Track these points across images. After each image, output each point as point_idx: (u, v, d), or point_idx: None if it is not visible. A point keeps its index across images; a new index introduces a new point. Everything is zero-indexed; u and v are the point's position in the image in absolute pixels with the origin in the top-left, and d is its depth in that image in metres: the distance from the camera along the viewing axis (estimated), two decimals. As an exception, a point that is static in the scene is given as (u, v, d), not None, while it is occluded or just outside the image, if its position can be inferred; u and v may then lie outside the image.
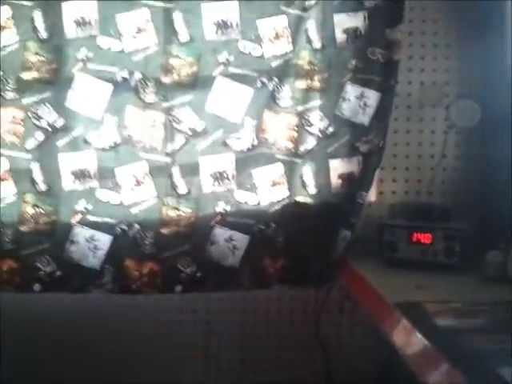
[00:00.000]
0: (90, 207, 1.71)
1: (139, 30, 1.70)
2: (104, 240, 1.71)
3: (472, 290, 1.29)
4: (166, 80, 1.71)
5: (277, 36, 1.74)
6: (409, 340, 0.97)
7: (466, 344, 0.86)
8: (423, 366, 0.89)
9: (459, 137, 1.80)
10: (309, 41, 1.75)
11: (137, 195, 1.72)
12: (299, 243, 1.74)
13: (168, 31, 1.70)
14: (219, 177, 1.74)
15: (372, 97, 1.73)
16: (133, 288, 1.71)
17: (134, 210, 1.72)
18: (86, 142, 1.71)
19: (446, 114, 1.76)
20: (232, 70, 1.72)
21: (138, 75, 1.70)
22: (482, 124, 1.69)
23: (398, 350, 1.04)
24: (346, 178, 1.75)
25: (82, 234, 1.70)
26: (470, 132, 1.76)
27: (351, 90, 1.74)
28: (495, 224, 1.52)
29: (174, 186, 1.72)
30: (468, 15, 1.80)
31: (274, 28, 1.73)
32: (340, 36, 1.74)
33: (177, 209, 1.73)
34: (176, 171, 1.72)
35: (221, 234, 1.73)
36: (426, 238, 1.52)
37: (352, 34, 1.74)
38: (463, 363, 0.77)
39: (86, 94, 1.70)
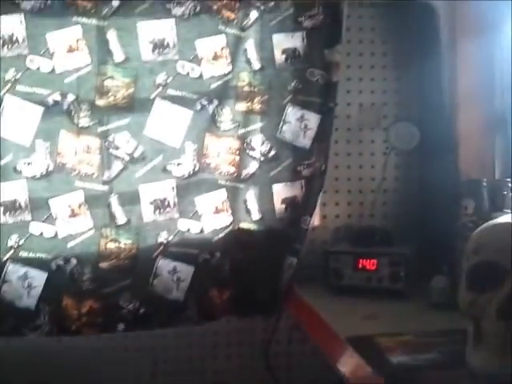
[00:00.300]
0: (22, 242, 1.75)
1: (71, 50, 1.77)
2: (39, 277, 1.76)
3: (419, 318, 1.47)
4: (100, 103, 1.79)
5: (215, 56, 1.87)
6: (363, 377, 1.12)
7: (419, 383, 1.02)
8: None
9: (399, 159, 2.03)
10: (248, 61, 1.89)
11: (72, 227, 1.79)
12: (245, 272, 1.88)
13: (102, 51, 1.78)
14: (160, 205, 1.85)
15: (312, 119, 1.91)
16: (72, 329, 1.76)
17: (70, 244, 1.78)
18: (15, 170, 1.75)
19: (385, 136, 2.00)
20: (170, 91, 1.83)
21: (70, 97, 1.77)
22: (420, 146, 1.92)
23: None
24: (290, 202, 1.92)
25: (14, 271, 1.74)
26: (409, 154, 1.99)
27: (292, 113, 1.91)
28: (437, 247, 1.74)
29: (112, 216, 1.81)
30: (405, 36, 2.03)
31: (212, 48, 1.86)
32: (279, 57, 1.90)
33: (116, 240, 1.81)
34: (114, 200, 1.81)
35: (164, 265, 1.83)
36: (371, 264, 1.71)
37: (291, 54, 1.91)
38: None
39: (15, 118, 1.74)
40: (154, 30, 1.82)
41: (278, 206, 1.92)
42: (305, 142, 1.92)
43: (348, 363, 1.20)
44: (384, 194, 2.04)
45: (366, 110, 2.06)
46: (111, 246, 1.82)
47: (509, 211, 1.50)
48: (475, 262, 1.05)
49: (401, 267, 1.68)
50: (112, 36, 1.79)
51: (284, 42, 1.91)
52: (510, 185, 1.58)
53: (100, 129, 1.80)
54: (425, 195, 1.99)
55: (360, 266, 1.73)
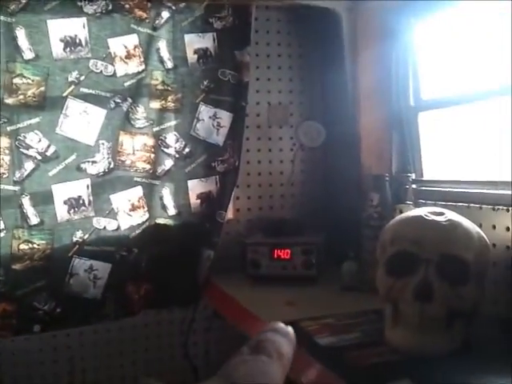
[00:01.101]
0: None
1: (-23, 48, 1.67)
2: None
3: (333, 301, 1.57)
4: (10, 101, 1.72)
5: (129, 55, 1.86)
6: (294, 359, 1.21)
7: (351, 361, 1.08)
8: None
9: (305, 154, 2.14)
10: (161, 60, 1.91)
11: (-17, 230, 1.70)
12: (163, 266, 1.89)
13: (10, 48, 1.71)
14: (75, 204, 1.81)
15: (225, 117, 1.96)
16: (-14, 333, 1.69)
17: (-18, 247, 1.69)
18: None
19: (293, 133, 2.10)
20: (83, 90, 1.80)
21: (-23, 96, 1.68)
22: (326, 142, 2.03)
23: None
24: (205, 197, 1.97)
25: None
26: (315, 149, 2.10)
27: (205, 111, 1.95)
28: (344, 235, 1.86)
29: (24, 217, 1.75)
30: (309, 39, 2.15)
31: (125, 47, 1.86)
32: (191, 56, 1.94)
33: (29, 241, 1.75)
34: (26, 200, 1.75)
35: (80, 264, 1.80)
36: (285, 253, 1.80)
37: (203, 54, 1.95)
38: (353, 379, 1.01)
39: None
40: (65, 27, 1.78)
41: (194, 201, 1.96)
42: (218, 138, 1.97)
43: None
44: (292, 187, 2.15)
45: (274, 108, 2.14)
46: (24, 247, 1.75)
47: (410, 203, 1.65)
48: (392, 252, 1.16)
49: (312, 255, 1.78)
50: (20, 33, 1.73)
51: (196, 42, 1.95)
52: (410, 179, 1.73)
53: (10, 128, 1.73)
54: (330, 188, 2.12)
55: (275, 255, 1.81)
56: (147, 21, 1.88)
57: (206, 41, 1.95)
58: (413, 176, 1.83)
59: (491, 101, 1.61)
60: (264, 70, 2.14)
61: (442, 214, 1.16)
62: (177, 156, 1.94)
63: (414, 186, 1.79)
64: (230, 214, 2.03)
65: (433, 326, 1.08)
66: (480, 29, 1.65)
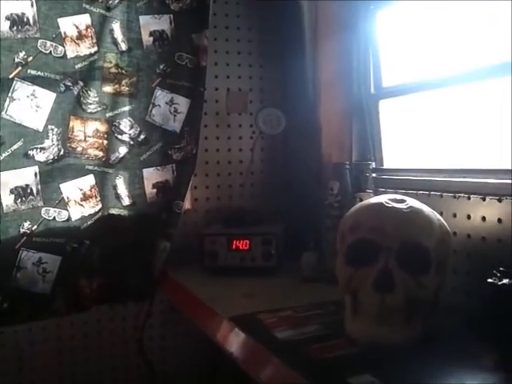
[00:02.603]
0: None
1: None
2: None
3: (293, 292, 1.54)
4: (-51, 82, 1.62)
5: (80, 36, 1.78)
6: (253, 355, 1.15)
7: (310, 355, 1.05)
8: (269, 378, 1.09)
9: (265, 142, 2.11)
10: (114, 42, 1.84)
11: None
12: (116, 259, 1.83)
13: (-50, 26, 1.61)
14: (22, 193, 1.72)
15: (182, 103, 1.90)
16: None
17: None
18: None
19: (253, 120, 2.04)
20: (31, 71, 1.71)
21: None
22: (286, 130, 2.00)
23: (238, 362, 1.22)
24: (161, 186, 1.91)
25: None
26: (275, 137, 2.07)
27: (161, 96, 1.89)
28: (304, 225, 1.84)
29: (-33, 207, 1.66)
30: (269, 25, 2.11)
31: (76, 27, 1.77)
32: (147, 38, 1.87)
33: (-27, 233, 1.67)
34: (-32, 189, 1.66)
35: (28, 257, 1.72)
36: (244, 244, 1.76)
37: (159, 37, 1.89)
38: (312, 375, 0.97)
39: None
40: (11, 5, 1.68)
41: (150, 190, 1.90)
42: (175, 125, 1.91)
43: (236, 342, 1.22)
44: (252, 176, 2.12)
45: (234, 95, 2.09)
46: (-33, 238, 1.66)
47: (371, 191, 1.63)
48: (352, 240, 1.13)
49: (272, 246, 1.75)
50: (-39, 10, 1.62)
51: (151, 24, 1.89)
52: (370, 167, 1.71)
53: (-50, 110, 1.63)
54: (290, 177, 2.09)
55: (234, 246, 1.76)
56: (100, 0, 1.80)
57: (163, 23, 1.89)
58: (373, 164, 1.83)
59: (451, 88, 1.60)
60: (223, 55, 2.09)
61: (402, 201, 1.14)
62: (131, 143, 1.88)
63: (374, 174, 1.78)
64: (187, 204, 1.99)
65: (393, 317, 1.06)
66: (439, 16, 1.65)
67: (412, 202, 1.14)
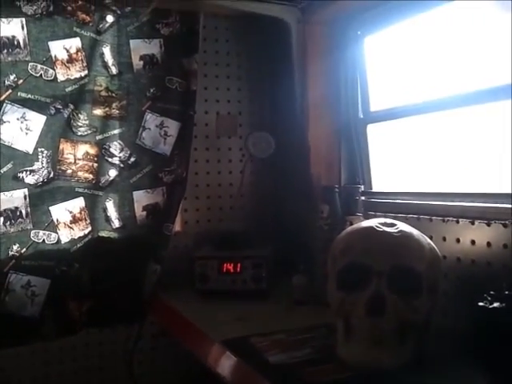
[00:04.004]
0: None
1: None
2: None
3: (284, 315, 1.54)
4: None
5: (70, 59, 1.79)
6: (244, 378, 1.15)
7: (302, 379, 1.05)
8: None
9: (254, 165, 2.11)
10: (105, 66, 1.85)
11: None
12: (106, 282, 1.82)
13: None
14: (11, 215, 1.71)
15: (172, 126, 1.92)
16: None
17: None
18: None
19: (242, 144, 2.06)
20: (22, 94, 1.71)
21: None
22: (275, 153, 2.00)
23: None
24: (151, 209, 1.90)
25: None
26: (265, 160, 2.06)
27: (151, 119, 1.90)
28: (294, 248, 1.85)
29: (-45, 230, 1.64)
30: (258, 49, 2.14)
31: (67, 50, 1.78)
32: (137, 62, 1.89)
33: (-39, 256, 1.64)
34: (-43, 212, 1.64)
35: (16, 280, 1.70)
36: (234, 267, 1.76)
37: (149, 61, 1.91)
38: None
39: None
40: (1, 28, 1.68)
41: (140, 213, 1.90)
42: (165, 148, 1.92)
43: (228, 366, 1.21)
44: (242, 199, 2.11)
45: (223, 118, 2.10)
46: (-44, 261, 1.64)
47: (360, 214, 1.64)
48: (343, 264, 1.14)
49: (262, 268, 1.75)
50: (-49, 33, 1.62)
51: (142, 48, 1.90)
52: (360, 190, 1.72)
53: None
54: (280, 199, 2.10)
55: (224, 269, 1.76)
56: (91, 24, 1.82)
57: (153, 47, 1.91)
58: (362, 187, 1.84)
59: (438, 113, 1.63)
60: (213, 79, 2.10)
61: (393, 225, 1.15)
62: (121, 166, 1.88)
63: (363, 197, 1.79)
64: (177, 227, 1.99)
65: (386, 341, 1.07)
66: (426, 41, 1.68)
67: (402, 226, 1.15)
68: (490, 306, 0.98)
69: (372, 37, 1.92)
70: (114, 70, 1.86)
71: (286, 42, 1.98)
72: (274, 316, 1.54)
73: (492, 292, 1.03)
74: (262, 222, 2.10)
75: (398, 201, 1.62)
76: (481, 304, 1.00)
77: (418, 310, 1.07)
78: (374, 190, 1.88)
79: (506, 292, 1.01)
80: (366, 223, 1.19)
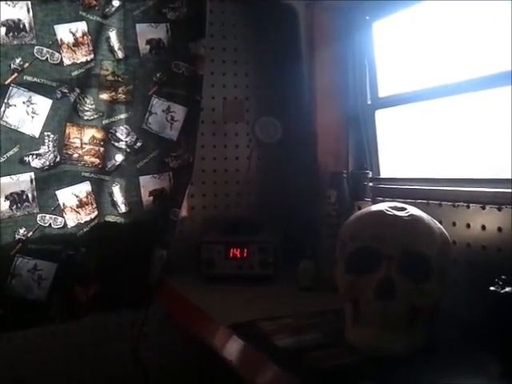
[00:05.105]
0: None
1: None
2: None
3: (291, 300, 1.53)
4: None
5: (76, 43, 1.77)
6: (252, 362, 1.14)
7: (311, 363, 1.03)
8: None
9: (261, 151, 2.09)
10: (111, 50, 1.83)
11: None
12: (113, 266, 1.81)
13: None
14: (17, 199, 1.70)
15: (179, 111, 1.89)
16: None
17: None
18: None
19: (249, 129, 2.04)
20: (27, 78, 1.69)
21: None
22: (282, 139, 1.98)
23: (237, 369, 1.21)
24: (158, 194, 1.89)
25: None
26: (272, 146, 2.04)
27: (157, 104, 1.88)
28: (301, 233, 1.83)
29: (-39, 213, 1.63)
30: (266, 34, 2.10)
31: (73, 34, 1.77)
32: (143, 47, 1.86)
33: (-33, 239, 1.64)
34: (-37, 195, 1.63)
35: (23, 264, 1.69)
36: (241, 252, 1.75)
37: (155, 45, 1.88)
38: (312, 383, 0.96)
39: None
40: (7, 11, 1.67)
41: (146, 198, 1.88)
42: (172, 133, 1.90)
43: (235, 350, 1.20)
44: (249, 185, 2.09)
45: (230, 103, 2.08)
46: (-39, 245, 1.63)
47: (369, 199, 1.62)
48: (353, 248, 1.12)
49: (269, 254, 1.74)
50: (-44, 16, 1.61)
51: (148, 33, 1.88)
52: (368, 176, 1.71)
53: None
54: (287, 185, 2.08)
55: (231, 254, 1.75)
56: (97, 8, 1.79)
57: (159, 31, 1.88)
58: (370, 174, 1.82)
59: (447, 98, 1.61)
60: (219, 64, 2.08)
61: (403, 209, 1.13)
62: (128, 150, 1.86)
63: (371, 183, 1.77)
64: (184, 212, 1.97)
65: (395, 325, 1.05)
66: (435, 27, 1.66)
67: (412, 210, 1.13)
68: (502, 291, 0.97)
69: (380, 22, 1.90)
70: (120, 54, 1.84)
71: (293, 28, 1.97)
72: (281, 301, 1.53)
73: (504, 277, 1.01)
74: (269, 208, 2.08)
75: (406, 186, 1.60)
76: (492, 289, 0.99)
77: (428, 295, 1.06)
78: (383, 176, 1.86)
79: (518, 277, 0.99)
80: (375, 207, 1.17)
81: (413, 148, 1.80)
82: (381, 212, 1.12)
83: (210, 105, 2.05)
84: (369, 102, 1.91)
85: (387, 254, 1.06)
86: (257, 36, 2.12)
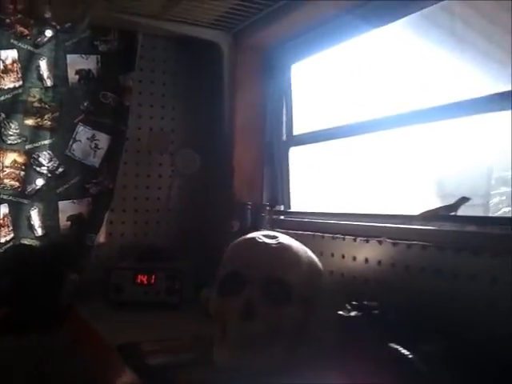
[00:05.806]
0: None
1: None
2: None
3: (189, 326, 1.58)
4: None
5: (5, 70, 1.85)
6: (123, 379, 1.21)
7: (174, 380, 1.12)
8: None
9: (183, 181, 2.17)
10: (40, 78, 1.91)
11: None
12: (25, 289, 1.83)
13: None
14: None
15: (103, 139, 1.98)
16: None
17: None
18: None
19: (172, 160, 2.14)
20: (-49, 101, 1.77)
21: None
22: (202, 170, 2.10)
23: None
24: (75, 219, 1.95)
25: None
26: (192, 177, 2.14)
27: (83, 132, 1.96)
28: (209, 262, 1.90)
29: None
30: (193, 70, 2.21)
31: (2, 61, 1.84)
32: (72, 76, 1.95)
33: None
34: None
35: None
36: (149, 278, 1.82)
37: (85, 75, 1.97)
38: None
39: None
40: None
41: (64, 222, 1.94)
42: (94, 160, 1.98)
43: (114, 369, 1.25)
44: (168, 214, 2.17)
45: (156, 134, 2.17)
46: None
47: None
48: (224, 273, 1.20)
49: (176, 281, 1.81)
50: None
51: (78, 63, 1.97)
52: (267, 208, 1.80)
53: None
54: (204, 215, 2.16)
55: (139, 280, 1.81)
56: (28, 37, 1.88)
57: (90, 62, 1.98)
58: (281, 207, 1.92)
59: (358, 137, 1.72)
60: (147, 96, 2.17)
61: (274, 237, 1.22)
62: (49, 175, 1.92)
63: (282, 216, 1.87)
64: (102, 238, 2.02)
65: (255, 344, 1.12)
66: (350, 69, 1.79)
67: (283, 239, 1.22)
68: (346, 315, 1.06)
69: (299, 63, 2.03)
70: (48, 83, 1.92)
71: (218, 65, 2.09)
72: (178, 326, 1.59)
73: (354, 302, 1.10)
74: (187, 237, 2.15)
75: (299, 219, 1.69)
76: (340, 313, 1.08)
77: (287, 317, 1.14)
78: (293, 209, 1.97)
79: (365, 302, 1.08)
80: (250, 235, 1.26)
81: (322, 183, 1.91)
82: (253, 239, 1.21)
83: (135, 135, 2.13)
84: (284, 139, 2.02)
85: (252, 279, 1.15)
86: (185, 72, 2.23)
